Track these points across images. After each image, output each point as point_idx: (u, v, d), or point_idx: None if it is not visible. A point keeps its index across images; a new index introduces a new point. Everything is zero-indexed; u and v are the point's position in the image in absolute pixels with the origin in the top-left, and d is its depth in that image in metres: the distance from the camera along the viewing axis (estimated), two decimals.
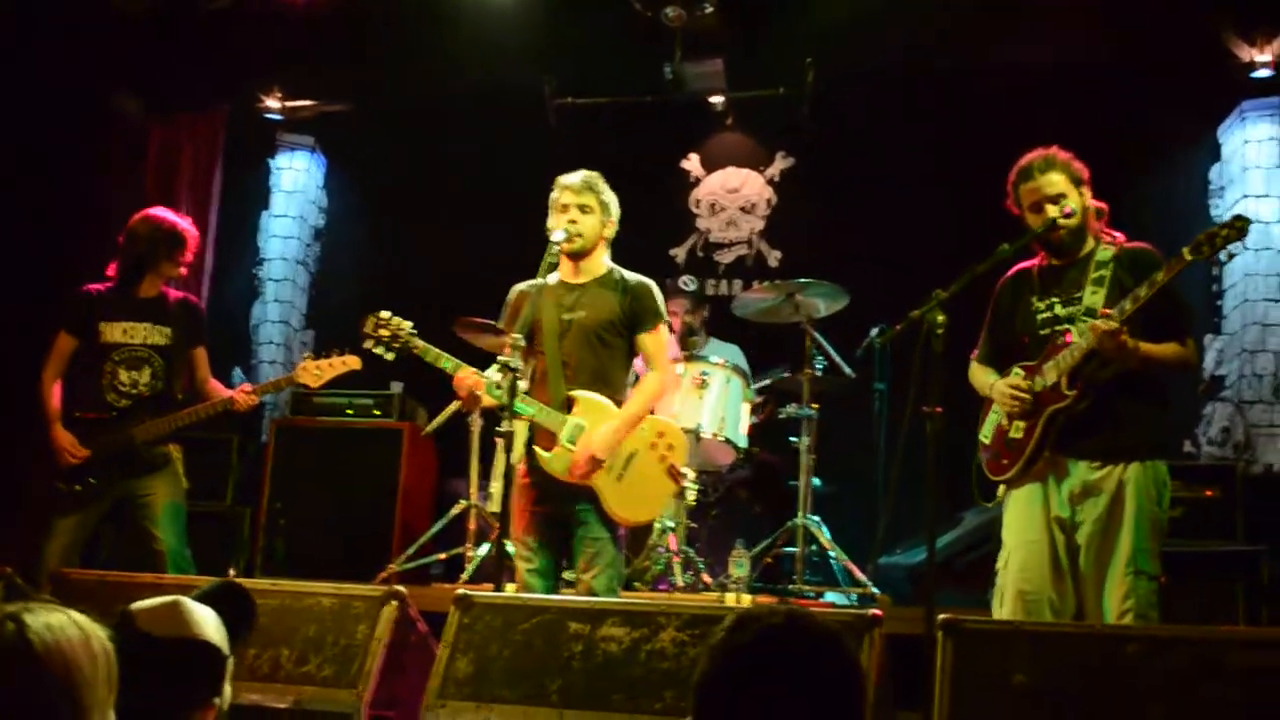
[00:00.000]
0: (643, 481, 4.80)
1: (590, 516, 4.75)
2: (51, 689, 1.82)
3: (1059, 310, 4.48)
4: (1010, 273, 4.74)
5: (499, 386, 4.49)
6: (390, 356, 4.93)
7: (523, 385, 4.65)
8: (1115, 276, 4.38)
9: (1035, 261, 4.65)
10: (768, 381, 7.06)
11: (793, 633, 1.83)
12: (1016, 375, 4.50)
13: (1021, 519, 4.47)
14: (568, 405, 4.79)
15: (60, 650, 1.84)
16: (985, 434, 4.68)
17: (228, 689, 2.65)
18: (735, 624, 1.86)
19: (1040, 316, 4.53)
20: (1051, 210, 4.46)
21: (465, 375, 4.75)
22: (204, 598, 2.69)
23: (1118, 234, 4.56)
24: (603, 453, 4.71)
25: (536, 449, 4.77)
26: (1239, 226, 4.08)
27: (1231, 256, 4.25)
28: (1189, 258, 4.13)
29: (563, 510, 4.80)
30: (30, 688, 1.81)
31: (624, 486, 4.76)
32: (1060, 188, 4.47)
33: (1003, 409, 4.52)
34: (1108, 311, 4.19)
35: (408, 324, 4.92)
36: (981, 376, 4.74)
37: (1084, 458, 4.35)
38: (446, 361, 4.84)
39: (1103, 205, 4.62)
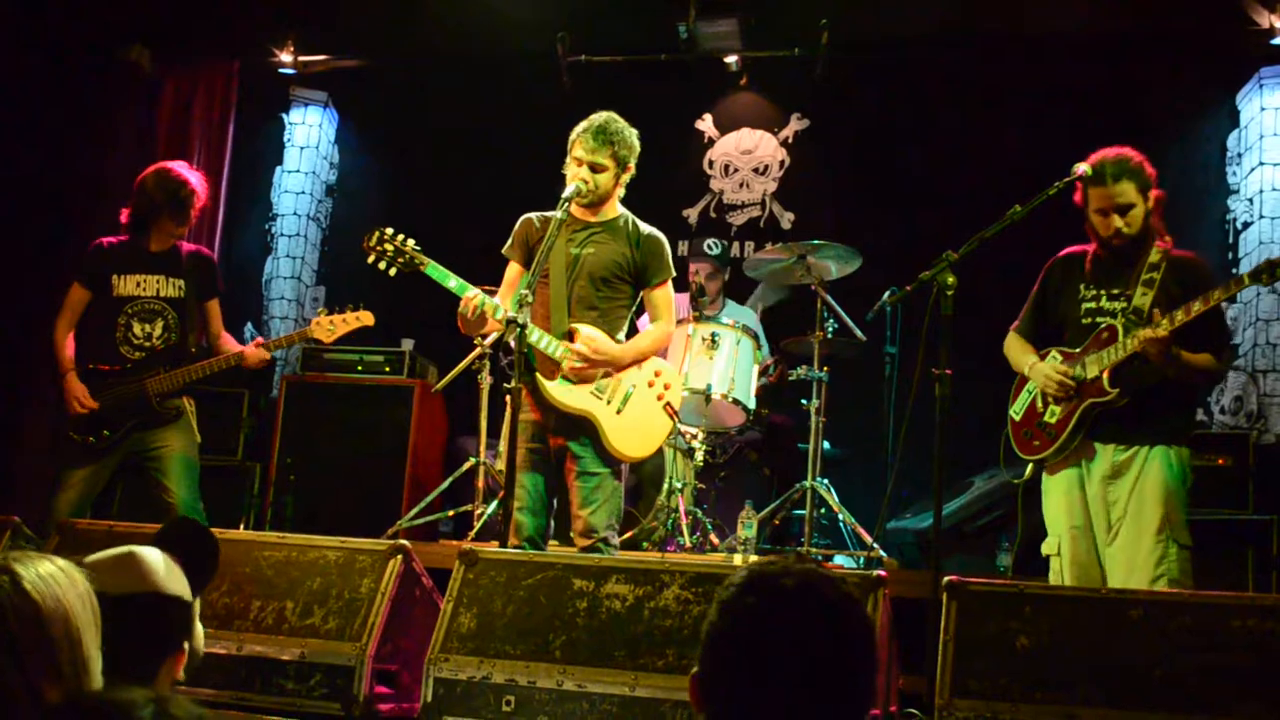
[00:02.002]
0: (640, 417, 4.86)
1: (589, 451, 4.80)
2: (54, 637, 1.84)
3: (1105, 304, 4.66)
4: (1062, 254, 4.90)
5: (509, 338, 4.51)
6: (392, 272, 4.93)
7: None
8: (1163, 280, 4.55)
9: (1089, 248, 4.78)
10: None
11: (807, 594, 1.81)
12: (1055, 360, 4.69)
13: (1064, 506, 4.67)
14: (569, 337, 4.82)
15: (57, 599, 1.87)
16: (1016, 410, 4.86)
17: (199, 628, 2.65)
18: (748, 583, 1.84)
19: (1085, 305, 4.71)
20: (1116, 220, 4.59)
21: (472, 295, 4.74)
22: (161, 540, 2.68)
23: (1167, 237, 4.68)
24: (597, 352, 4.75)
25: (538, 376, 4.78)
26: None
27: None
28: (1248, 283, 4.33)
29: (560, 447, 4.84)
30: (35, 637, 1.83)
31: (622, 421, 4.82)
32: (1130, 197, 4.58)
33: (1047, 391, 4.67)
34: (1160, 320, 4.33)
35: (411, 241, 4.92)
36: (1018, 352, 4.90)
37: (1112, 441, 4.57)
38: (452, 279, 4.84)
39: (1160, 194, 4.70)
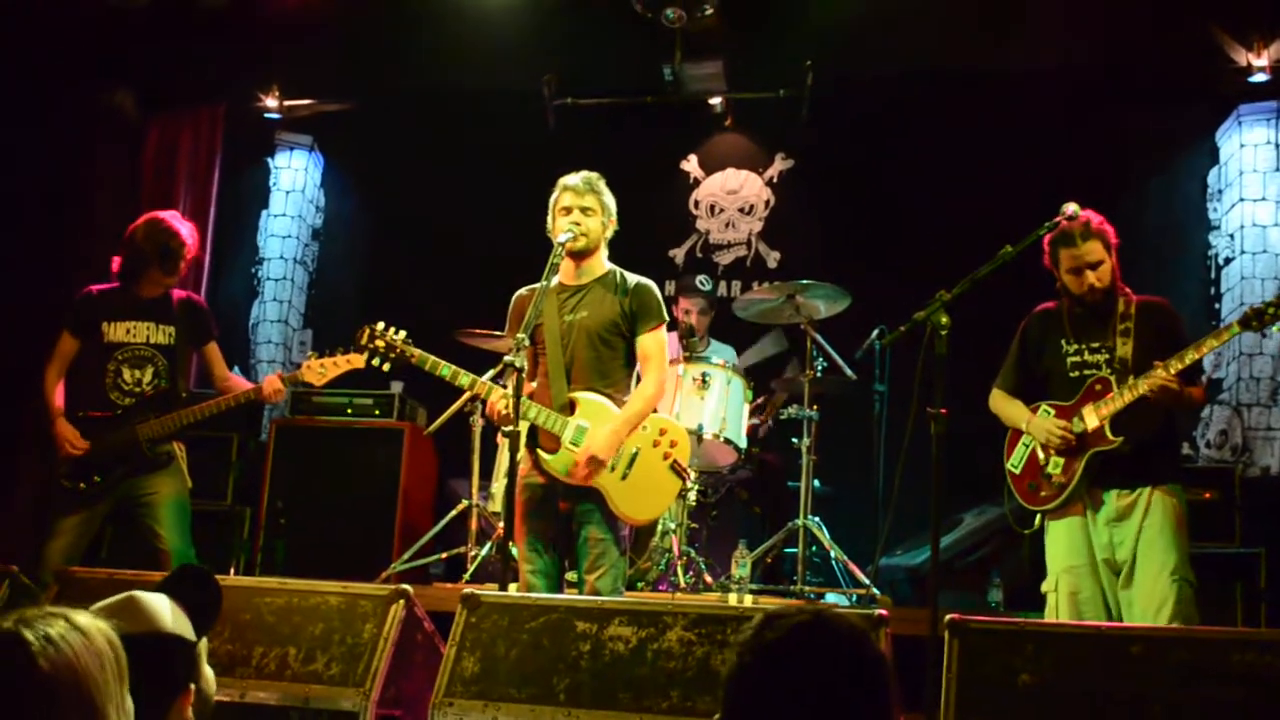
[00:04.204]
0: (647, 479, 4.83)
1: (595, 517, 4.77)
2: (63, 704, 1.80)
3: (1088, 356, 4.90)
4: (1036, 310, 5.13)
5: (504, 386, 4.53)
6: (386, 368, 5.03)
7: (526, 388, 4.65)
8: (1137, 328, 4.84)
9: (1061, 303, 5.02)
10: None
11: (821, 629, 1.85)
12: (1048, 415, 4.89)
13: (1065, 547, 4.85)
14: (570, 407, 4.82)
15: (68, 665, 1.82)
16: (1015, 464, 5.03)
17: (208, 671, 2.65)
18: (764, 622, 1.88)
19: (1070, 360, 4.94)
20: (1090, 276, 4.82)
21: (496, 399, 4.76)
22: (164, 586, 2.69)
23: (1127, 288, 4.96)
24: (604, 453, 4.73)
25: (540, 451, 4.79)
26: None
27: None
28: (1237, 329, 4.63)
29: (567, 511, 4.83)
30: (41, 708, 1.78)
31: (629, 485, 4.79)
32: (1099, 255, 4.83)
33: (1049, 445, 4.84)
34: (1163, 367, 4.58)
35: (401, 334, 5.01)
36: (1008, 408, 5.09)
37: (1115, 486, 4.78)
38: (445, 369, 4.91)
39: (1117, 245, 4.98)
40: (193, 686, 2.53)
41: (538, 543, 4.82)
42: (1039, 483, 4.90)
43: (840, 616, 1.89)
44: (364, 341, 5.00)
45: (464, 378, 4.88)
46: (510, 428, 4.42)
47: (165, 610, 2.56)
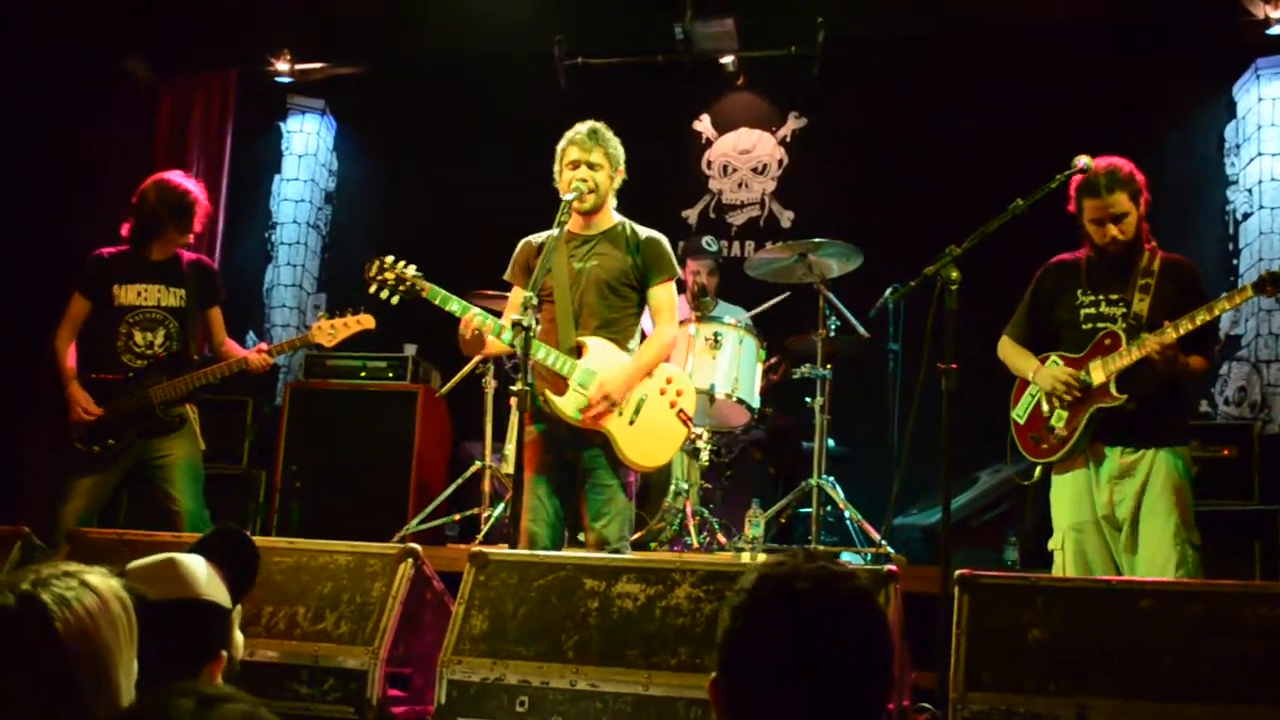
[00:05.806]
0: (654, 426, 4.87)
1: (601, 463, 4.80)
2: (77, 666, 1.81)
3: (1104, 309, 4.79)
4: (1053, 261, 5.00)
5: (511, 344, 4.53)
6: (395, 300, 4.97)
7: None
8: (1158, 284, 4.72)
9: (1081, 253, 4.90)
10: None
11: (820, 589, 1.81)
12: (1056, 365, 4.80)
13: (1070, 504, 4.78)
14: (577, 351, 4.84)
15: (81, 626, 1.83)
16: (1020, 414, 4.96)
17: (239, 636, 2.64)
18: (758, 583, 1.84)
19: (1084, 311, 4.83)
20: (1112, 229, 4.70)
21: (472, 316, 4.76)
22: (201, 547, 2.67)
23: (1153, 240, 4.83)
24: (618, 393, 4.75)
25: (548, 393, 4.79)
26: None
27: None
28: (1250, 293, 4.53)
29: (572, 459, 4.84)
30: (57, 670, 1.80)
31: (636, 431, 4.82)
32: (1124, 206, 4.70)
33: (1055, 394, 4.74)
34: (1169, 327, 4.50)
35: (412, 268, 4.96)
36: (1016, 356, 5.00)
37: (1119, 444, 4.69)
38: (454, 303, 4.88)
39: (1148, 199, 4.84)
40: (224, 654, 2.52)
41: (543, 491, 4.82)
42: (1041, 435, 4.84)
43: (839, 576, 1.83)
44: (373, 273, 4.96)
45: (473, 313, 4.84)
46: (518, 386, 4.41)
47: (203, 575, 2.54)
